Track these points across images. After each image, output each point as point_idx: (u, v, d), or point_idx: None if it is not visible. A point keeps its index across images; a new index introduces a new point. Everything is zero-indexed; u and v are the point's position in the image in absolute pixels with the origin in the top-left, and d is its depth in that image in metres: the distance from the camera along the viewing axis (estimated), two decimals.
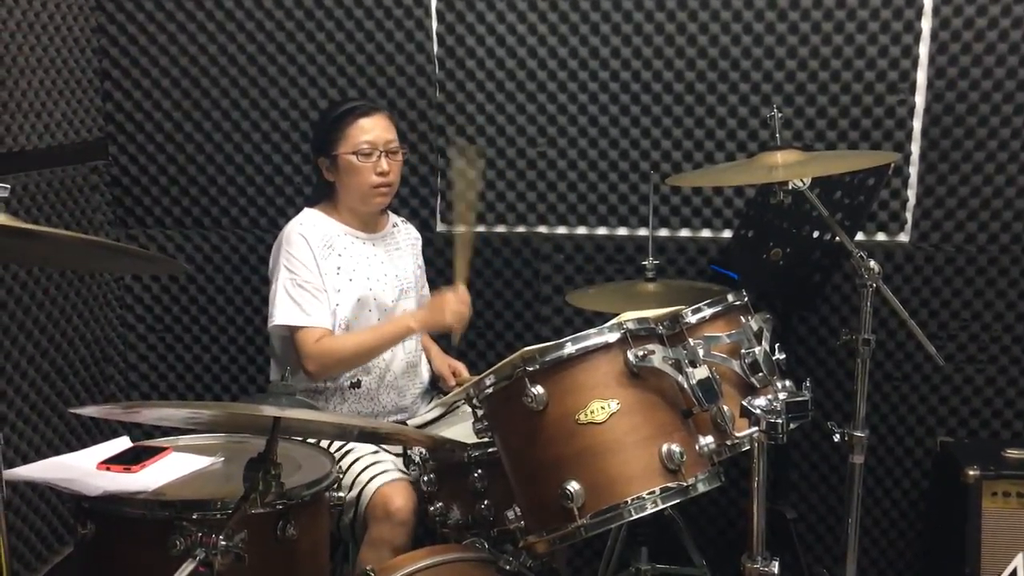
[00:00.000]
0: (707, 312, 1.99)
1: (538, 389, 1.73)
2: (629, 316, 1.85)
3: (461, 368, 2.74)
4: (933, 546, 2.94)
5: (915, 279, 2.91)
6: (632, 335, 1.77)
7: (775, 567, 1.80)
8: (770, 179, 2.07)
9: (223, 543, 1.38)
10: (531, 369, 1.74)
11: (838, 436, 2.25)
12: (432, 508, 2.14)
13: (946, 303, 2.91)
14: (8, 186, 1.50)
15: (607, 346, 1.75)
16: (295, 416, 1.54)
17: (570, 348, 1.75)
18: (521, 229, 3.04)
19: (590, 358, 1.75)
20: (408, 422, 2.60)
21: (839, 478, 3.00)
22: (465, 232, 2.57)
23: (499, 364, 1.80)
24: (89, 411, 2.01)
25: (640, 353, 1.75)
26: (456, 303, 2.45)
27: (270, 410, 1.42)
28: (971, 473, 2.64)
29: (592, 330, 1.79)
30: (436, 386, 2.76)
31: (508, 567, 1.90)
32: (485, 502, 2.05)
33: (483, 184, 2.83)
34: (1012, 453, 2.72)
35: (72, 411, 2.01)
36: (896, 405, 2.97)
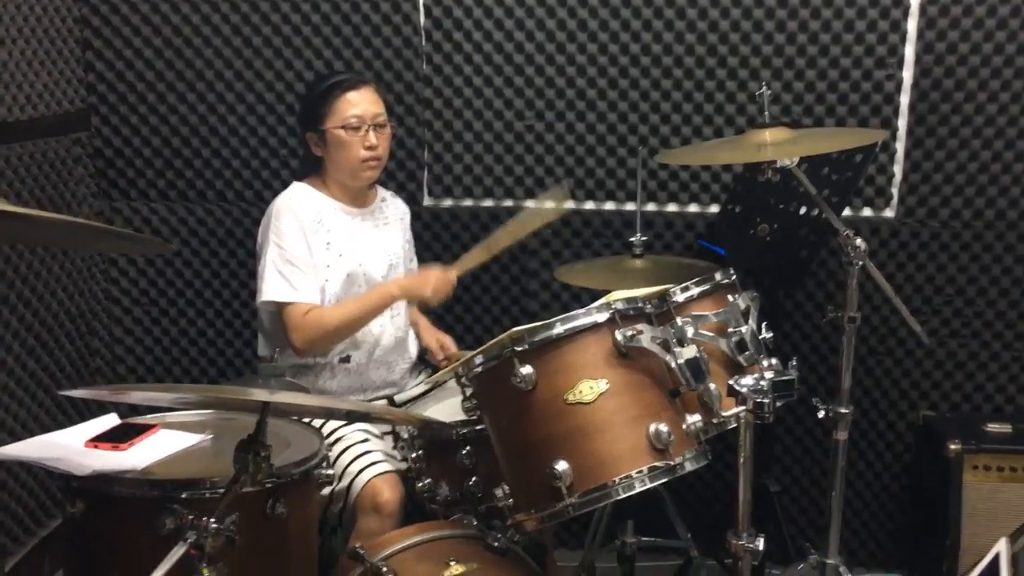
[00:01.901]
0: (695, 291, 2.00)
1: (527, 369, 1.74)
2: (617, 296, 1.85)
3: (449, 342, 2.75)
4: (915, 519, 2.98)
5: (900, 254, 2.92)
6: (620, 315, 1.78)
7: (760, 543, 1.83)
8: (758, 158, 2.07)
9: (214, 525, 1.38)
10: (520, 349, 1.75)
11: (823, 412, 2.27)
12: (420, 484, 2.15)
13: (930, 278, 2.93)
14: None
15: (596, 326, 1.76)
16: (284, 401, 1.54)
17: (559, 328, 1.75)
18: (508, 203, 3.03)
19: (579, 338, 1.76)
20: (396, 397, 2.60)
21: (822, 451, 3.03)
22: (495, 246, 2.56)
23: (488, 344, 1.80)
24: (80, 393, 2.00)
25: (628, 333, 1.75)
26: (441, 281, 2.45)
27: (259, 394, 1.42)
28: (953, 447, 2.67)
29: (580, 310, 1.79)
30: (424, 360, 2.77)
31: (496, 543, 1.92)
32: (473, 479, 2.06)
33: (556, 216, 2.78)
34: (993, 427, 2.76)
35: (62, 393, 1.99)
36: (879, 379, 3.00)
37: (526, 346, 1.75)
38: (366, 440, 2.38)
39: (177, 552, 1.35)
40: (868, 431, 3.03)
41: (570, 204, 2.95)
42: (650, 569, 2.92)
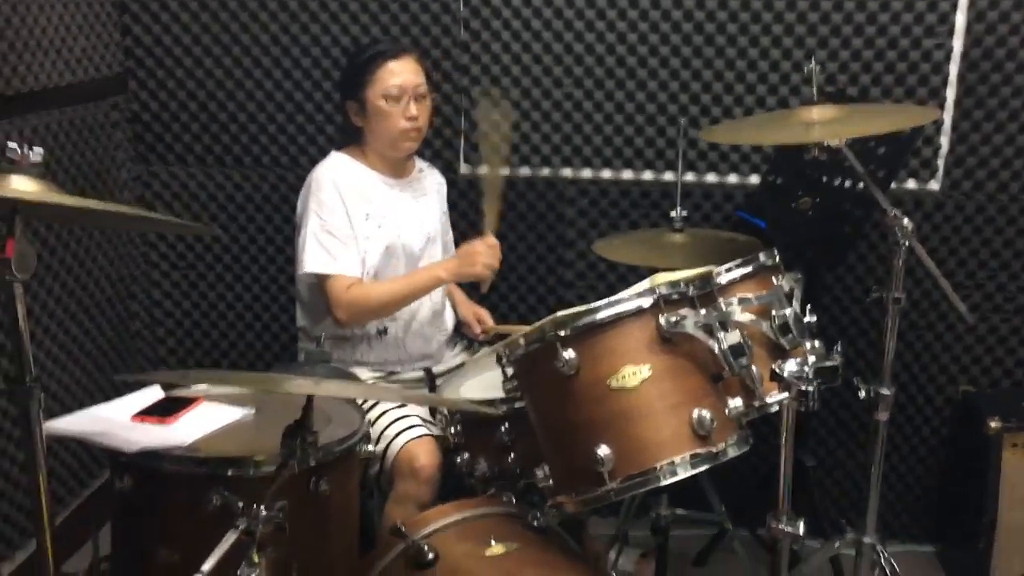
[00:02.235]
0: (738, 273, 1.97)
1: (570, 354, 1.74)
2: (661, 279, 1.83)
3: (485, 315, 2.75)
4: (950, 494, 2.97)
5: (944, 228, 2.87)
6: (664, 300, 1.77)
7: (801, 527, 1.83)
8: (806, 138, 2.03)
9: (264, 513, 1.40)
10: (563, 334, 1.74)
11: (863, 392, 2.25)
12: (459, 459, 2.17)
13: (974, 252, 2.89)
14: (41, 150, 1.48)
15: (639, 311, 1.75)
16: (331, 393, 1.54)
17: (602, 313, 1.74)
18: (545, 172, 3.01)
19: (622, 323, 1.75)
20: (434, 369, 2.61)
21: (859, 425, 3.02)
22: (492, 177, 2.54)
23: (530, 328, 1.80)
24: (134, 378, 2.02)
25: (673, 319, 1.74)
26: (487, 254, 2.43)
27: (305, 386, 1.42)
28: (993, 424, 2.65)
29: (624, 294, 1.78)
30: (460, 332, 2.77)
31: (536, 522, 1.94)
32: (512, 455, 2.07)
33: (510, 127, 2.77)
34: None
35: (118, 377, 2.02)
36: (919, 353, 2.97)
37: (569, 331, 1.74)
38: (403, 404, 2.40)
39: (229, 539, 1.37)
40: (906, 405, 3.01)
41: (507, 107, 2.89)
42: (683, 539, 2.94)
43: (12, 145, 1.46)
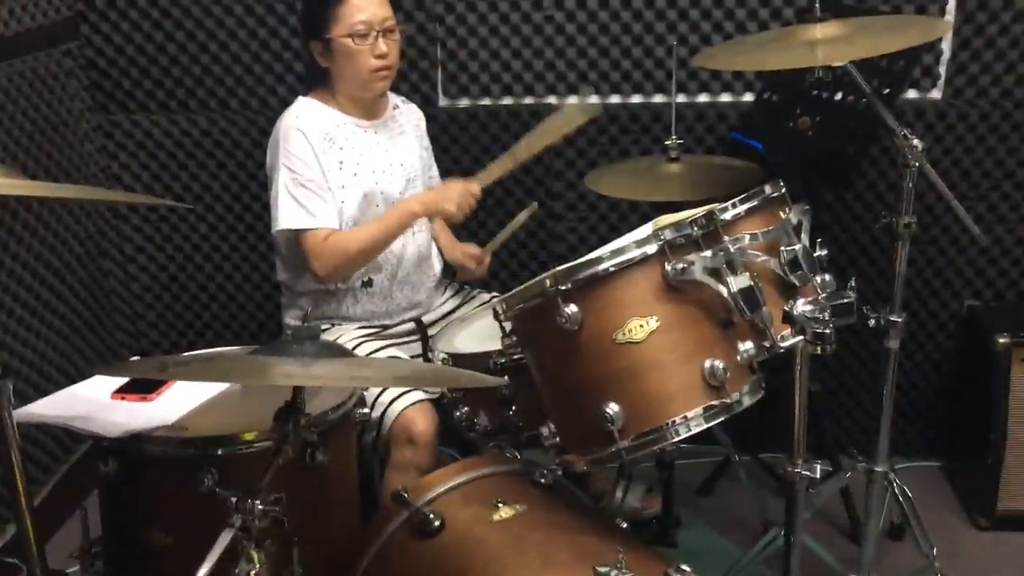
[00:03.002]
0: (742, 208, 1.86)
1: (572, 308, 1.63)
2: (664, 222, 1.73)
3: (473, 248, 2.59)
4: (957, 410, 2.92)
5: (947, 138, 2.76)
6: (669, 245, 1.66)
7: (817, 470, 1.77)
8: (811, 62, 1.90)
9: (260, 507, 1.31)
10: (564, 288, 1.64)
11: (873, 321, 2.17)
12: (458, 414, 2.09)
13: (978, 162, 2.78)
14: None
15: (644, 259, 1.64)
16: (320, 382, 1.44)
17: (605, 264, 1.63)
18: (529, 100, 2.86)
19: (626, 274, 1.63)
20: (424, 318, 2.51)
21: (861, 345, 2.95)
22: (519, 154, 2.41)
23: (529, 283, 1.69)
24: (115, 371, 1.90)
25: (680, 266, 1.63)
26: (464, 194, 2.32)
27: (295, 375, 1.32)
28: (1001, 340, 2.58)
29: (627, 241, 1.67)
30: (450, 273, 2.66)
31: (543, 479, 1.87)
32: (512, 408, 1.99)
33: (571, 132, 2.59)
34: None
35: (99, 374, 1.91)
36: (921, 269, 2.88)
37: (570, 284, 1.63)
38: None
39: (224, 539, 1.29)
40: (908, 321, 2.92)
41: (599, 106, 2.76)
42: (688, 468, 2.90)
43: None
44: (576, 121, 2.53)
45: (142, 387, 1.89)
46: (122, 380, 1.91)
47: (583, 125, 2.60)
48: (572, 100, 2.72)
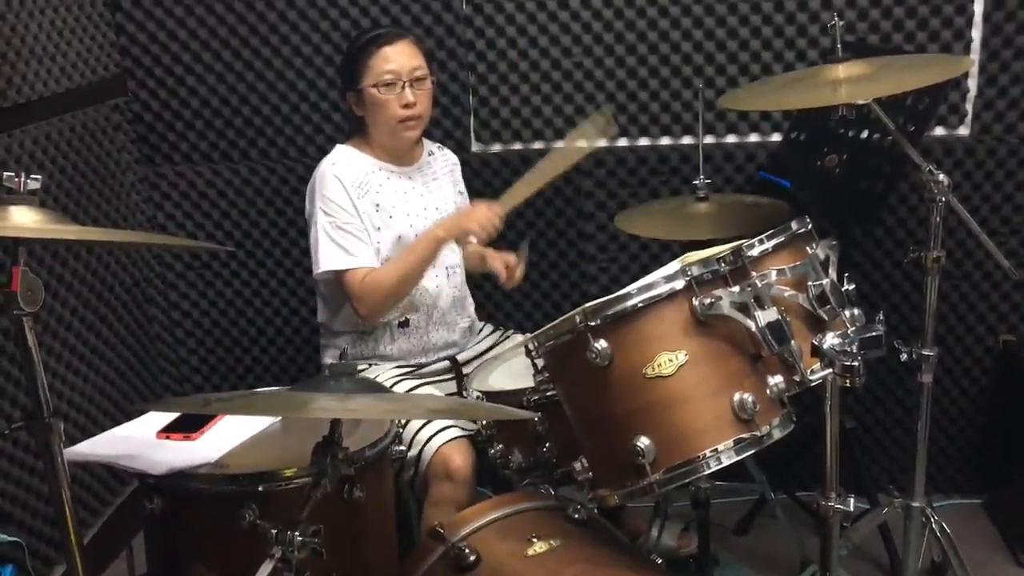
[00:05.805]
0: (770, 244, 1.89)
1: (602, 344, 1.67)
2: (691, 258, 1.76)
3: (507, 257, 2.56)
4: (994, 446, 2.89)
5: (976, 174, 2.77)
6: (696, 281, 1.69)
7: (851, 504, 1.77)
8: (834, 100, 1.93)
9: (299, 539, 1.35)
10: (593, 324, 1.67)
11: (905, 355, 2.18)
12: (492, 451, 2.12)
13: (1008, 197, 2.79)
14: (39, 178, 1.42)
15: (672, 295, 1.68)
16: (358, 415, 1.49)
17: (633, 300, 1.67)
18: (559, 144, 2.92)
19: (655, 309, 1.67)
20: (459, 356, 2.56)
21: (897, 381, 2.95)
22: (542, 174, 2.45)
23: (559, 319, 1.73)
24: (164, 407, 1.96)
25: (707, 301, 1.67)
26: (486, 216, 2.34)
27: (332, 408, 1.36)
28: None
29: (654, 277, 1.71)
30: (486, 316, 2.69)
31: (577, 515, 1.89)
32: (547, 445, 2.01)
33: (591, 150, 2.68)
34: None
35: (139, 407, 1.97)
36: (955, 304, 2.88)
37: (599, 320, 1.67)
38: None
39: (265, 570, 1.32)
40: (944, 357, 2.93)
41: (612, 130, 2.82)
42: (723, 508, 2.89)
43: (8, 174, 1.39)
44: (590, 145, 2.57)
45: (186, 426, 1.95)
46: (167, 420, 1.97)
47: (597, 150, 2.67)
48: (587, 125, 2.75)
